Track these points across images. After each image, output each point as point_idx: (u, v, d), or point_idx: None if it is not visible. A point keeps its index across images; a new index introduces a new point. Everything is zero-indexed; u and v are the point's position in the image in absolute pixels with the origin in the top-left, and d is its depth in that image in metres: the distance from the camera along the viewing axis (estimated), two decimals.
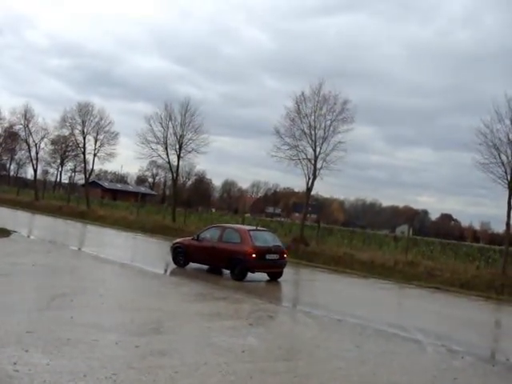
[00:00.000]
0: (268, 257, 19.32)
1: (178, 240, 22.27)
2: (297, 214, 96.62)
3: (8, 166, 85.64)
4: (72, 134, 53.48)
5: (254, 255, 18.81)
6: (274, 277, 20.07)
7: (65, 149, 68.48)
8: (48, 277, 15.46)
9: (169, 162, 43.14)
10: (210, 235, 20.68)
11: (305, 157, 32.50)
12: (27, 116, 57.38)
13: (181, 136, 41.69)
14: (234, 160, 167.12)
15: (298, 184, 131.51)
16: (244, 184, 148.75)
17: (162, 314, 11.96)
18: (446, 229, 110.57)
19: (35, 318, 10.07)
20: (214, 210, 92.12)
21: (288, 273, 22.04)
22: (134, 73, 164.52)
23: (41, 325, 9.44)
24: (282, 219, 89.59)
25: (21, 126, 58.83)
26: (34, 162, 59.44)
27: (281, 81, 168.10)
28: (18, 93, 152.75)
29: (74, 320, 10.06)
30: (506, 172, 25.46)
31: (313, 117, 32.45)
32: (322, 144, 32.31)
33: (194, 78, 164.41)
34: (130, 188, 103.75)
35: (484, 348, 12.88)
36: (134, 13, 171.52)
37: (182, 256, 21.06)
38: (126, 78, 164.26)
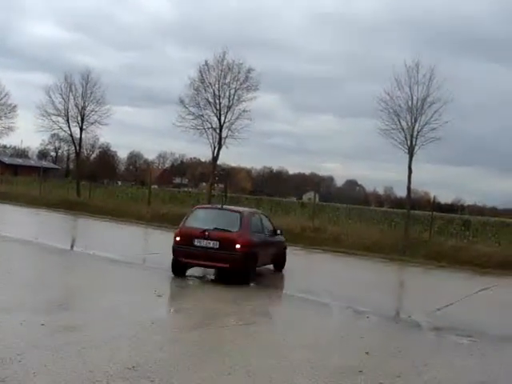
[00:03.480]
0: (197, 243, 14.13)
1: None
2: (204, 184, 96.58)
3: None
4: None
5: (178, 238, 14.51)
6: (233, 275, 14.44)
7: None
8: None
9: (71, 135, 41.99)
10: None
11: (210, 126, 32.49)
12: None
13: (82, 107, 40.64)
14: (139, 131, 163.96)
15: (204, 154, 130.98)
16: (150, 155, 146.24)
17: (69, 290, 11.71)
18: (352, 194, 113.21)
19: None
20: (119, 183, 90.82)
21: None
22: (29, 41, 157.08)
23: None
24: (190, 189, 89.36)
25: None
26: None
27: (183, 49, 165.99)
28: None
29: None
30: (406, 138, 26.35)
31: (217, 86, 32.40)
32: (227, 113, 32.40)
33: (92, 47, 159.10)
34: (32, 163, 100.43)
35: (388, 307, 13.35)
36: None
37: None
38: (19, 47, 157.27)
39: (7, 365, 6.51)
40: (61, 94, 41.07)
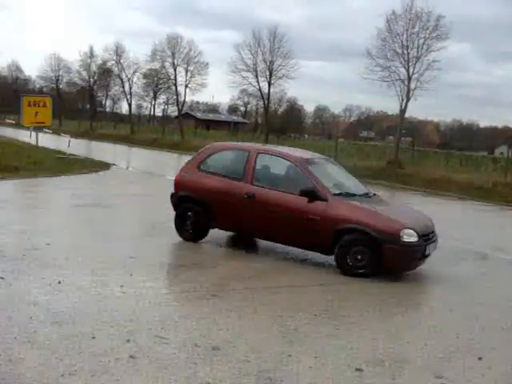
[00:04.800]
0: None
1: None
2: (391, 137, 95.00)
3: (104, 102, 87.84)
4: (163, 66, 54.35)
5: None
6: None
7: (157, 82, 69.14)
8: (148, 206, 15.92)
9: (260, 90, 43.29)
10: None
11: (398, 78, 31.85)
12: (118, 52, 58.86)
13: (270, 62, 41.68)
14: (325, 84, 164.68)
15: (391, 107, 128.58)
16: (336, 109, 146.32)
17: None
18: None
19: (137, 244, 10.49)
20: (306, 136, 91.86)
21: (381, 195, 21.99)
22: (214, 0, 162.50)
23: (143, 251, 9.83)
24: (376, 143, 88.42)
25: (113, 62, 60.33)
26: (128, 96, 60.92)
27: None
28: (106, 29, 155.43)
29: (167, 245, 10.50)
30: None
31: (405, 36, 31.57)
32: (416, 64, 31.52)
33: (277, 3, 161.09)
34: (223, 117, 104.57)
35: None
36: None
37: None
38: (208, 6, 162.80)
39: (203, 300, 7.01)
40: (250, 51, 42.41)
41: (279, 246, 10.36)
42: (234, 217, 10.34)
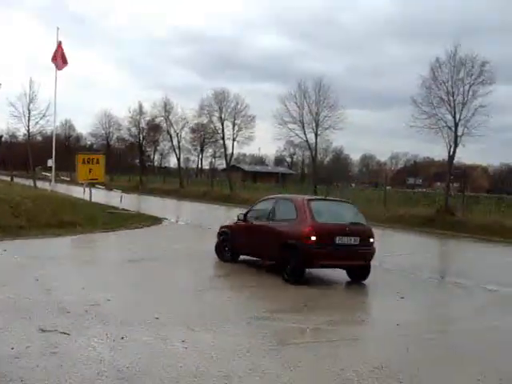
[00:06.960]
0: (339, 241, 12.46)
1: (227, 223, 16.69)
2: (438, 184, 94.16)
3: (152, 156, 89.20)
4: (210, 121, 55.38)
5: (314, 238, 12.31)
6: (355, 275, 13.34)
7: (204, 136, 70.34)
8: (202, 261, 15.64)
9: (307, 141, 43.57)
10: (258, 213, 14.81)
11: (445, 124, 31.67)
12: (167, 108, 60.07)
13: (316, 114, 42.01)
14: (370, 133, 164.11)
15: (438, 153, 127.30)
16: (382, 157, 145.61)
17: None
18: None
19: (196, 298, 10.63)
20: (353, 185, 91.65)
21: (434, 245, 21.81)
22: (257, 54, 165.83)
23: (202, 305, 9.96)
24: (424, 190, 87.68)
25: (162, 118, 61.59)
26: (177, 151, 61.91)
27: (404, 46, 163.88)
28: (151, 86, 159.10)
29: (230, 299, 10.58)
30: None
31: (450, 82, 31.54)
32: (462, 110, 31.27)
33: (314, 53, 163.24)
34: (269, 169, 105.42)
35: None
36: None
37: (227, 246, 15.34)
38: (249, 60, 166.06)
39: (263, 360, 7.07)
40: (295, 103, 42.92)
41: None
42: None
